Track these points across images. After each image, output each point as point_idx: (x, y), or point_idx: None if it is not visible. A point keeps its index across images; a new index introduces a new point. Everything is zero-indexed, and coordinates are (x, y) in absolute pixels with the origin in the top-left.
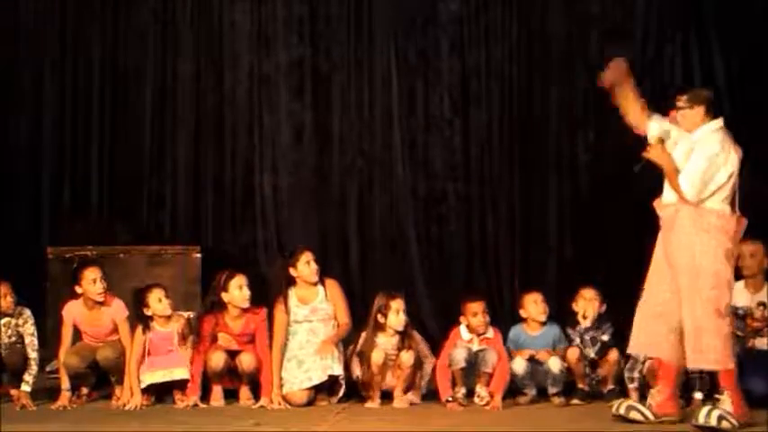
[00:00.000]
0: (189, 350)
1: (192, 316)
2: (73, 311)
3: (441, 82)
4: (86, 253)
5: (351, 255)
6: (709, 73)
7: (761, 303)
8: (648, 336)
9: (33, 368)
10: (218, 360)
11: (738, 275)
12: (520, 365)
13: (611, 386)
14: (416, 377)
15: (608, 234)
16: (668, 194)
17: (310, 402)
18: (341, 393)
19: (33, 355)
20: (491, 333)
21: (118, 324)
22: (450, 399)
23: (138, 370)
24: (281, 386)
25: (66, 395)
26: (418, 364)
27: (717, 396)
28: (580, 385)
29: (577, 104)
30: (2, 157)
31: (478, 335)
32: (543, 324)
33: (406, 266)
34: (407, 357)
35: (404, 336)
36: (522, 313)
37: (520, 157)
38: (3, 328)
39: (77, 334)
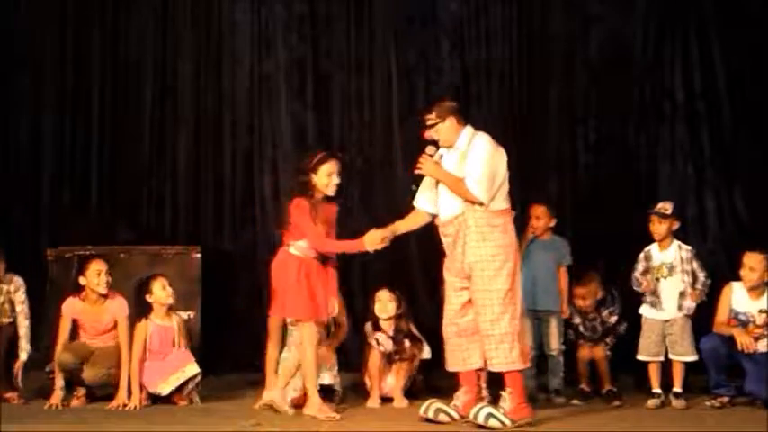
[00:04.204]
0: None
1: (191, 316)
2: (73, 306)
3: (441, 82)
4: (86, 253)
5: (351, 254)
6: (709, 73)
7: (763, 311)
8: (463, 352)
9: (28, 336)
10: None
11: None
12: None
13: (609, 386)
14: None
15: (607, 234)
16: (448, 208)
17: None
18: (337, 401)
19: (26, 323)
20: None
21: (118, 321)
22: None
23: (141, 370)
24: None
25: (58, 393)
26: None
27: (501, 393)
28: (581, 385)
29: (577, 104)
30: (2, 157)
31: None
32: (552, 232)
33: (406, 266)
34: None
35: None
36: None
37: (520, 157)
38: None
39: (74, 333)
